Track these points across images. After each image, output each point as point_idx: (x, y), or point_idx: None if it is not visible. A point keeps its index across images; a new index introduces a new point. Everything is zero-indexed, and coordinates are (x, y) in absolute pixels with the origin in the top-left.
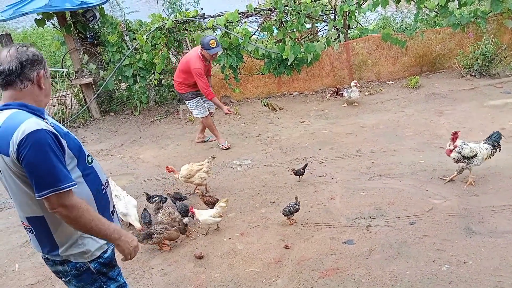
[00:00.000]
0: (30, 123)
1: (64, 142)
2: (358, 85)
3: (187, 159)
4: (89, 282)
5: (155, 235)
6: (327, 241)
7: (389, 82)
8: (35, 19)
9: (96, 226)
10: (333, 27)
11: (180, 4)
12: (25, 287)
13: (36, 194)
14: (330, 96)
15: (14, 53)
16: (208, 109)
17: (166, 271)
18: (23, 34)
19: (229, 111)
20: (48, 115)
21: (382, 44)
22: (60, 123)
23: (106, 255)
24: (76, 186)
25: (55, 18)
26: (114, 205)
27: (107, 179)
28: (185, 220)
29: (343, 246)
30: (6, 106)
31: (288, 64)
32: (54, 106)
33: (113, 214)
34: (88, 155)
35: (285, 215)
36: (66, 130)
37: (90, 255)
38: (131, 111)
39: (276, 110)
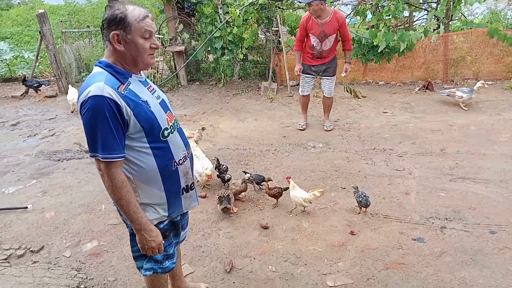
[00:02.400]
0: (96, 87)
1: (129, 112)
2: (485, 85)
3: (262, 134)
4: None
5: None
6: (395, 235)
7: (488, 82)
8: None
9: (124, 207)
10: (433, 17)
11: None
12: (108, 226)
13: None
14: (419, 90)
15: (103, 13)
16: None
17: (232, 235)
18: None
19: (299, 71)
20: (147, 77)
21: (487, 40)
22: None
23: (161, 226)
24: (123, 158)
25: None
26: (192, 182)
27: (184, 156)
28: (247, 176)
29: (412, 242)
30: (99, 63)
31: (378, 51)
32: (147, 70)
33: (185, 192)
34: (166, 129)
35: (360, 204)
36: (144, 99)
37: None
38: (215, 82)
39: (359, 97)
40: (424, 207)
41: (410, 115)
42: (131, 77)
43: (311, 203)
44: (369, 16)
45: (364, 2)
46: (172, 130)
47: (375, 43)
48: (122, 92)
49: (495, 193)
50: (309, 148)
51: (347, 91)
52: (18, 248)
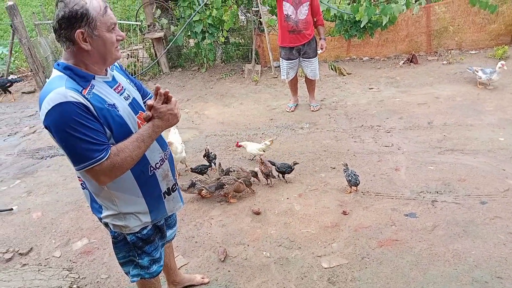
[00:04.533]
0: (57, 94)
1: (97, 115)
2: (505, 66)
3: (249, 118)
4: (123, 250)
5: (226, 185)
6: (387, 212)
7: (471, 52)
8: None
9: (142, 150)
10: None
11: None
12: (98, 223)
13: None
14: (403, 63)
15: (56, 10)
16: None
17: (224, 223)
18: None
19: None
20: (121, 70)
21: (468, 8)
22: (132, 75)
23: (145, 232)
24: (106, 157)
25: None
26: (174, 183)
27: (161, 159)
28: (256, 169)
29: (405, 218)
30: (57, 66)
31: (361, 26)
32: (127, 59)
33: (167, 195)
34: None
35: (349, 184)
36: (112, 102)
37: (129, 230)
38: (198, 67)
39: (344, 75)
40: (414, 182)
41: (396, 90)
42: (94, 79)
43: (264, 151)
44: None
45: None
46: None
47: (357, 18)
48: (86, 96)
49: (483, 163)
50: (297, 130)
51: (332, 68)
52: (6, 252)
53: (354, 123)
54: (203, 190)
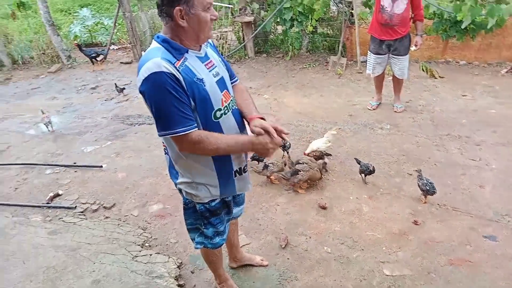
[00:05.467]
0: (153, 63)
1: (185, 87)
2: None
3: (328, 111)
4: (192, 217)
5: (301, 172)
6: (464, 230)
7: None
8: None
9: (225, 150)
10: None
11: None
12: (173, 190)
13: (157, 132)
14: (506, 72)
15: None
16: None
17: (289, 211)
18: None
19: None
20: (213, 47)
21: None
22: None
23: (213, 204)
24: (193, 130)
25: None
26: (245, 165)
27: None
28: (326, 160)
29: (483, 240)
30: (156, 38)
31: (462, 27)
32: (216, 40)
33: (238, 174)
34: (219, 110)
35: (424, 193)
36: (200, 77)
37: (199, 199)
38: (282, 55)
39: (435, 78)
40: (500, 203)
41: (493, 100)
42: (187, 52)
43: (330, 142)
44: None
45: None
46: (226, 111)
47: (458, 18)
48: (178, 68)
49: None
50: (376, 129)
51: (423, 70)
52: (93, 203)
53: (440, 131)
54: (273, 174)
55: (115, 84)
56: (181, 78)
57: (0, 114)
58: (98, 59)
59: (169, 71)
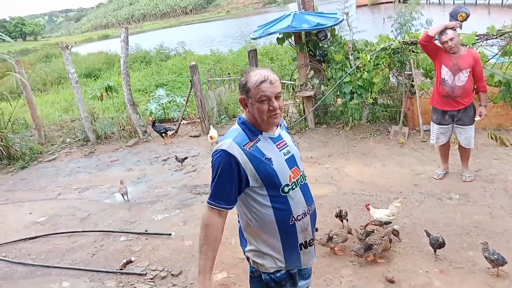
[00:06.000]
0: (225, 142)
1: (250, 167)
2: None
3: (391, 181)
4: (257, 285)
5: (375, 246)
6: None
7: None
8: (277, 38)
9: (199, 245)
10: None
11: (411, 25)
12: (237, 259)
13: None
14: None
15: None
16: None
17: (354, 284)
18: (264, 50)
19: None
20: (287, 129)
21: None
22: None
23: (278, 275)
24: (224, 209)
25: (292, 37)
26: (311, 238)
27: (304, 212)
28: (396, 227)
29: None
30: (238, 120)
31: None
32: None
33: (303, 248)
34: (286, 185)
35: (494, 264)
36: (268, 156)
37: (264, 269)
38: (342, 125)
39: (506, 145)
40: None
41: None
42: (261, 134)
43: (394, 215)
44: None
45: None
46: (294, 187)
47: None
48: (247, 149)
49: None
50: (444, 200)
51: (492, 138)
52: (162, 270)
53: None
54: (338, 246)
55: (176, 156)
56: (242, 162)
57: (83, 184)
58: (168, 134)
59: (233, 154)
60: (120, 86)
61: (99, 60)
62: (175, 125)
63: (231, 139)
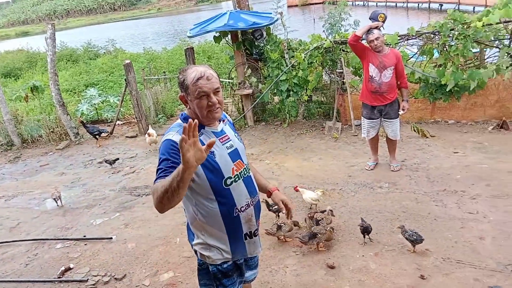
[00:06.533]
0: (170, 134)
1: None
2: None
3: (327, 173)
4: (205, 278)
5: (319, 235)
6: (469, 281)
7: None
8: (214, 36)
9: (170, 189)
10: (505, 54)
11: (340, 25)
12: (183, 258)
13: None
14: (492, 129)
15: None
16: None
17: (299, 272)
18: (200, 48)
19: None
20: (230, 124)
21: None
22: None
23: (225, 266)
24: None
25: (229, 36)
26: (256, 229)
27: (247, 204)
28: (329, 207)
29: None
30: (180, 115)
31: (447, 90)
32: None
33: (248, 238)
34: (229, 178)
35: (411, 242)
36: (211, 150)
37: (211, 261)
38: (280, 122)
39: (427, 137)
40: (501, 253)
41: (483, 156)
42: (204, 128)
43: (319, 201)
44: (436, 54)
45: (431, 42)
46: (236, 179)
47: (442, 82)
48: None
49: None
50: (376, 188)
51: (414, 130)
52: (104, 275)
53: (436, 187)
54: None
55: (105, 159)
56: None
57: (10, 192)
58: (102, 135)
59: (176, 140)
60: (47, 86)
61: (19, 58)
62: (109, 126)
63: (175, 132)
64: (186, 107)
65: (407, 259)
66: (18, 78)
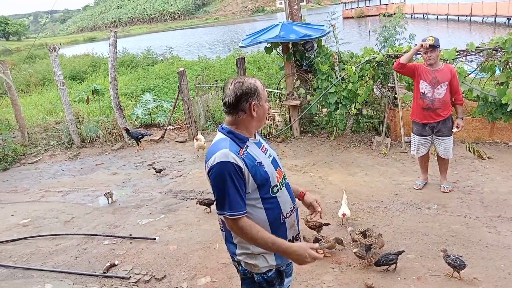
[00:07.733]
0: (222, 154)
1: (247, 173)
2: None
3: (372, 190)
4: (249, 287)
5: (373, 246)
6: None
7: None
8: (265, 47)
9: (262, 246)
10: None
11: (394, 39)
12: (221, 264)
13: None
14: None
15: (233, 88)
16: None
17: None
18: (252, 58)
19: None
20: (259, 135)
21: None
22: (266, 136)
23: (269, 274)
24: (246, 213)
25: (280, 47)
26: (297, 233)
27: (291, 210)
28: (349, 229)
29: None
30: (221, 129)
31: (508, 110)
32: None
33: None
34: (275, 186)
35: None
36: (259, 160)
37: (257, 269)
38: (327, 135)
39: (483, 158)
40: None
41: None
42: (248, 141)
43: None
44: (498, 71)
45: (492, 59)
46: (281, 187)
47: (503, 101)
48: (242, 156)
49: None
50: (423, 209)
51: (470, 150)
52: (146, 274)
53: (490, 212)
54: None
55: (153, 166)
56: (243, 167)
57: (67, 187)
58: (145, 138)
59: (235, 162)
60: (107, 89)
61: (85, 62)
62: (161, 130)
63: (226, 149)
64: (252, 117)
65: (452, 286)
66: (83, 81)
